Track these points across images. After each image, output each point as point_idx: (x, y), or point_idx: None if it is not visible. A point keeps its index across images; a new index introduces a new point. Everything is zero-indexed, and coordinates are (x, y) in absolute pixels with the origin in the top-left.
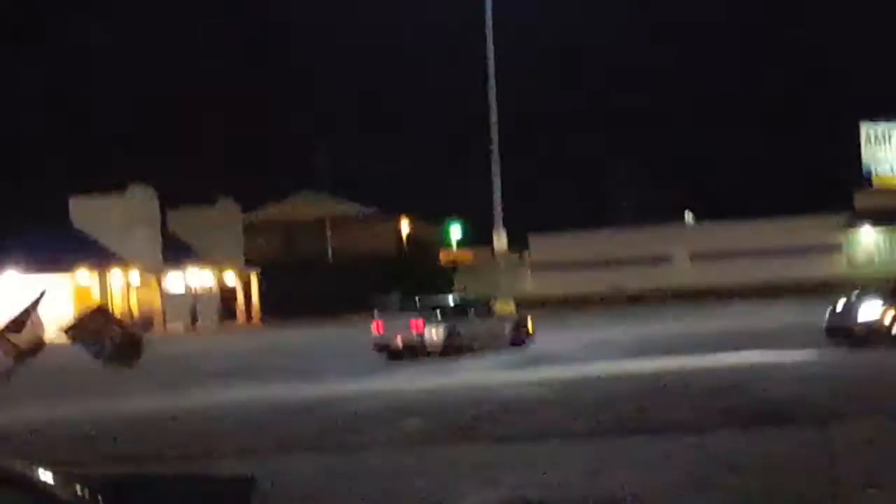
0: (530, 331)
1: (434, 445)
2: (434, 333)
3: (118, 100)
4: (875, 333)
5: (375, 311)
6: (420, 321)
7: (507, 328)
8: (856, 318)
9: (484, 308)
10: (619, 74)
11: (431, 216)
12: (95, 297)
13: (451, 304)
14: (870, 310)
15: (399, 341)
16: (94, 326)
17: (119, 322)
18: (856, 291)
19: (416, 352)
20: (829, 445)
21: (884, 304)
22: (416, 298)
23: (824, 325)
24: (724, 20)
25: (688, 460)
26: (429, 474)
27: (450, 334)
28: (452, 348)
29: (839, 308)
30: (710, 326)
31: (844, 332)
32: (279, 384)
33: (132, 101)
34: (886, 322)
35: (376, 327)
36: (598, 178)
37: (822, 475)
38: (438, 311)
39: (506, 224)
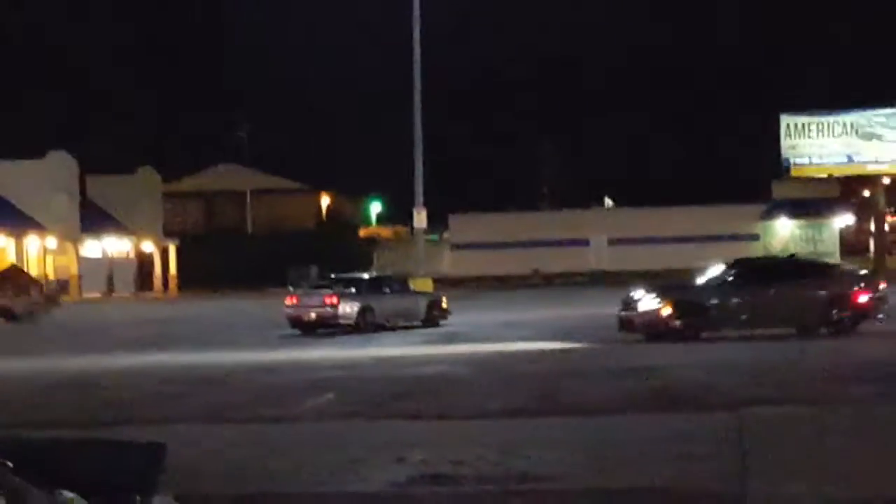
0: (445, 309)
1: (345, 420)
2: (348, 309)
3: (42, 65)
4: (653, 325)
5: (290, 286)
6: (334, 296)
7: (423, 306)
8: (637, 310)
9: (400, 285)
10: (543, 58)
11: (353, 192)
12: (11, 260)
13: (367, 280)
14: (648, 302)
15: (313, 315)
16: (10, 284)
17: (33, 281)
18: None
19: (329, 326)
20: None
21: (660, 297)
22: (332, 274)
23: (617, 316)
24: (645, 6)
25: (595, 440)
26: (339, 449)
27: (363, 310)
28: (366, 324)
29: (627, 300)
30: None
31: (629, 324)
32: (192, 354)
33: (57, 67)
34: (664, 314)
35: (291, 301)
36: (519, 160)
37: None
38: (353, 286)
39: (427, 203)
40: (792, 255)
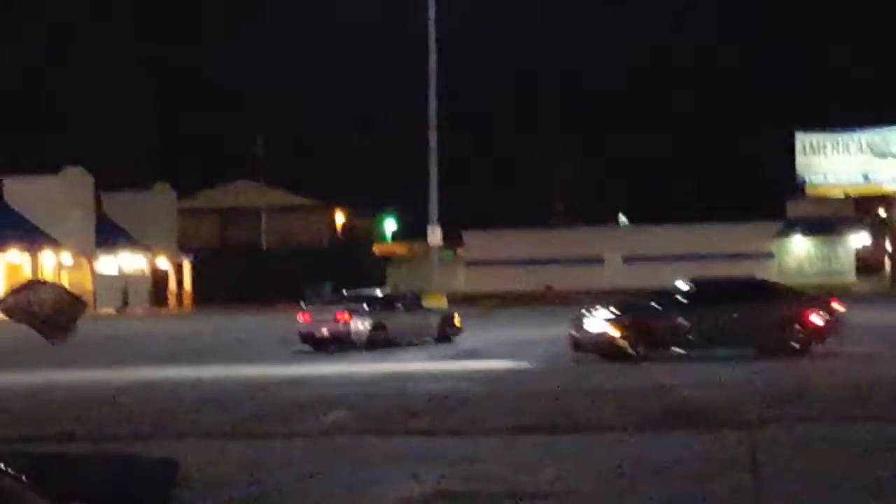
0: (458, 326)
1: (358, 436)
2: (360, 325)
3: (55, 81)
4: (601, 346)
5: (303, 302)
6: (346, 313)
7: (436, 323)
8: (587, 330)
9: (413, 302)
10: (555, 75)
11: (367, 209)
12: (27, 275)
13: (379, 296)
14: (597, 323)
15: (325, 332)
16: (29, 295)
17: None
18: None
19: (341, 343)
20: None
21: (608, 317)
22: (344, 291)
23: (569, 337)
24: (663, 23)
25: (608, 457)
26: (352, 465)
27: (376, 327)
28: (379, 341)
29: (578, 319)
30: None
31: (579, 344)
32: (205, 369)
33: (71, 83)
34: (611, 335)
35: (303, 318)
36: (534, 177)
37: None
38: (365, 303)
39: (441, 219)
40: (752, 277)
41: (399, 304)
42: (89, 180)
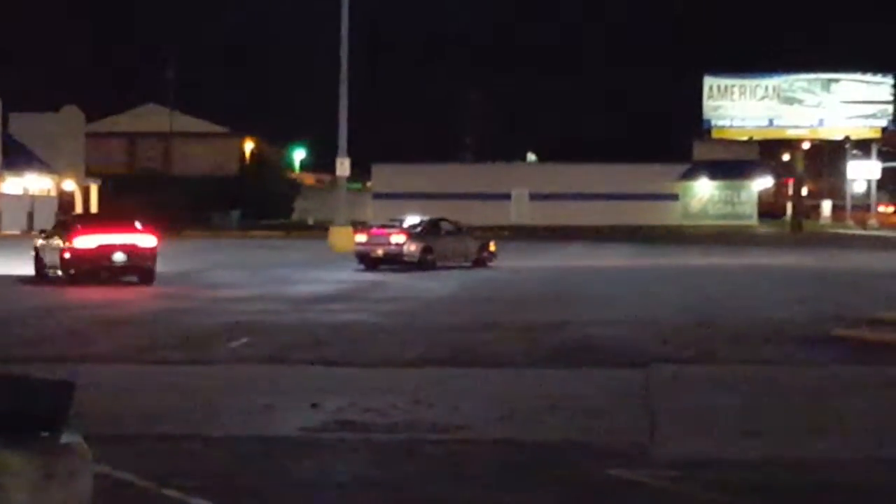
0: (493, 252)
1: (263, 365)
2: (412, 247)
3: None
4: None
5: (364, 224)
6: (403, 234)
7: (474, 248)
8: None
9: (454, 228)
10: (467, 11)
11: (277, 138)
12: None
13: (426, 222)
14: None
15: (380, 252)
16: None
17: None
18: None
19: (393, 263)
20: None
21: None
22: (391, 218)
23: None
24: None
25: (511, 392)
26: (253, 393)
27: (425, 250)
28: (427, 262)
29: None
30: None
31: None
32: (105, 292)
33: None
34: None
35: (360, 238)
36: (444, 112)
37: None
38: (416, 227)
39: (351, 151)
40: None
41: (443, 230)
42: None
